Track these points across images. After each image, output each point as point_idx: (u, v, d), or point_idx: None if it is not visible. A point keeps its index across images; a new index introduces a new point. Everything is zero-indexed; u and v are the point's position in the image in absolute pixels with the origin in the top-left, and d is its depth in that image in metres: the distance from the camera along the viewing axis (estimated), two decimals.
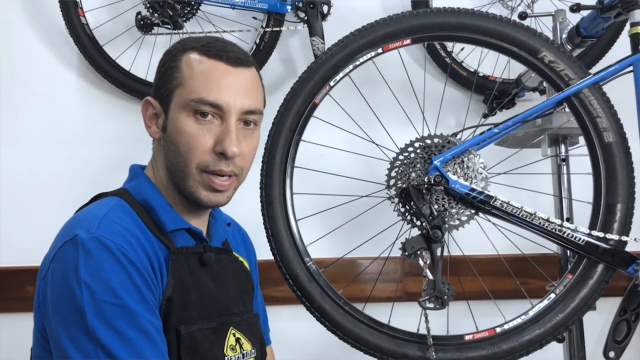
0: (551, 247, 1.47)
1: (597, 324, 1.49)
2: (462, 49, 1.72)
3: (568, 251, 1.29)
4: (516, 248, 1.29)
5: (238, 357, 0.93)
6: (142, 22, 1.60)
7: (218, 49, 0.92)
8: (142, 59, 1.70)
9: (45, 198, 1.69)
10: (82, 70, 1.73)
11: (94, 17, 1.68)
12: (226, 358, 0.91)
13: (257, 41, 1.66)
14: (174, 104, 0.91)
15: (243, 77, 0.93)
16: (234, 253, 1.05)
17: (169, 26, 1.60)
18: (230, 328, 0.93)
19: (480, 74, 1.71)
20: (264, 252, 1.20)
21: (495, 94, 1.63)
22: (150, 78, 1.68)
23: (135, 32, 1.63)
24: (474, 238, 1.35)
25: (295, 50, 1.76)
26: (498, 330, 1.09)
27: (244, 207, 1.24)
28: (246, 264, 1.09)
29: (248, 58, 0.95)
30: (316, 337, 1.60)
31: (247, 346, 0.96)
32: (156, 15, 1.59)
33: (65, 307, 0.78)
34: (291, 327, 1.65)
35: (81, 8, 1.63)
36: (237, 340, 0.94)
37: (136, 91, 1.68)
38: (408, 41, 1.16)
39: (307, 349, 1.67)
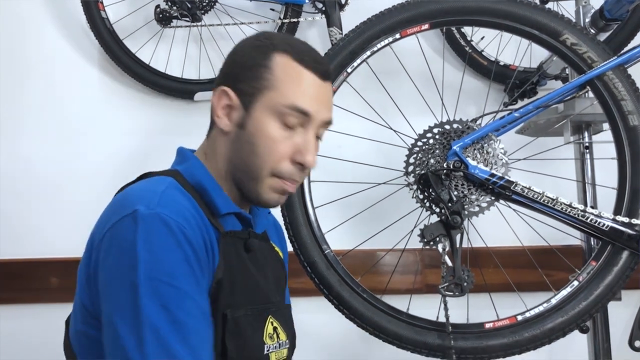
0: (574, 238, 1.44)
1: (623, 316, 1.45)
2: (482, 38, 1.69)
3: (592, 239, 1.26)
4: (538, 240, 1.27)
5: (275, 347, 0.92)
6: (160, 16, 1.62)
7: (313, 59, 0.91)
8: (161, 52, 1.71)
9: (68, 191, 1.71)
10: (103, 64, 1.75)
11: (114, 12, 1.69)
12: (265, 346, 0.90)
13: (275, 32, 1.66)
14: (261, 105, 0.89)
15: (328, 91, 0.94)
16: (270, 242, 1.05)
17: (187, 19, 1.62)
18: (269, 316, 0.93)
19: (501, 63, 1.68)
20: None
21: (516, 83, 1.61)
22: (170, 71, 1.72)
23: (155, 25, 1.65)
24: (496, 229, 1.33)
25: (313, 41, 1.74)
26: (519, 318, 1.07)
27: None
28: (280, 254, 1.08)
29: (332, 72, 0.97)
30: (335, 329, 1.61)
31: (282, 336, 0.95)
32: (175, 8, 1.61)
33: (120, 281, 0.78)
34: (310, 319, 1.64)
35: (101, 3, 1.64)
36: (275, 329, 0.93)
37: (156, 84, 1.69)
38: (426, 26, 1.14)
39: (326, 340, 1.66)
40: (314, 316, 1.64)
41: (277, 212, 1.17)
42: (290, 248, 1.17)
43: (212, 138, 0.96)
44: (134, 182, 0.93)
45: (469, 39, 1.68)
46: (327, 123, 0.93)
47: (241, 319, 0.86)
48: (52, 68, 1.75)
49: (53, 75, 1.75)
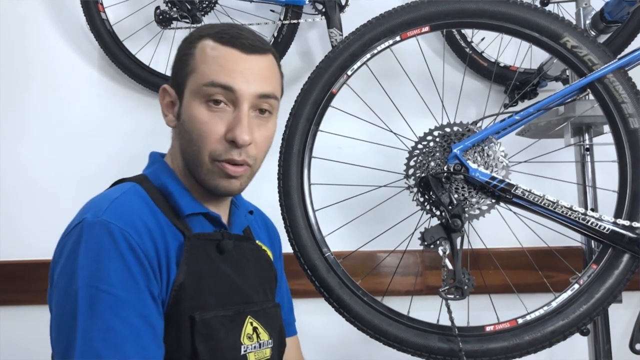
0: (575, 240, 1.44)
1: (624, 318, 1.45)
2: (482, 39, 1.69)
3: (592, 242, 1.26)
4: (539, 241, 1.26)
5: (254, 347, 0.92)
6: (160, 17, 1.62)
7: (232, 36, 0.91)
8: (161, 53, 1.71)
9: (67, 192, 1.71)
10: (103, 66, 1.75)
11: (114, 13, 1.70)
12: (242, 347, 0.90)
13: (275, 34, 1.66)
14: (188, 91, 0.91)
15: (257, 64, 0.91)
16: (256, 241, 1.04)
17: (187, 20, 1.62)
18: (248, 317, 0.92)
19: (501, 64, 1.68)
20: (283, 244, 1.19)
21: (516, 84, 1.61)
22: (170, 73, 1.72)
23: (155, 27, 1.65)
24: (495, 231, 1.33)
25: (313, 43, 1.76)
26: (520, 321, 1.07)
27: (265, 200, 1.23)
28: (269, 253, 1.08)
29: (264, 45, 0.94)
30: (336, 330, 1.61)
31: (264, 336, 0.95)
32: (175, 9, 1.61)
33: (64, 289, 0.80)
34: (311, 320, 1.65)
35: (101, 4, 1.65)
36: (255, 329, 0.93)
37: (156, 86, 1.69)
38: (426, 29, 1.14)
39: (326, 342, 1.66)
40: (314, 318, 1.63)
41: (274, 213, 1.18)
42: (290, 251, 1.17)
43: (172, 138, 0.99)
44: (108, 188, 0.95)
45: (469, 40, 1.67)
46: (263, 96, 0.91)
47: (212, 320, 0.86)
48: (52, 69, 1.76)
49: (53, 77, 1.75)
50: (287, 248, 1.18)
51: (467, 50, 1.66)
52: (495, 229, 1.32)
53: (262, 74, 0.92)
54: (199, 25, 1.62)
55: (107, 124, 1.74)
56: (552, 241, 1.29)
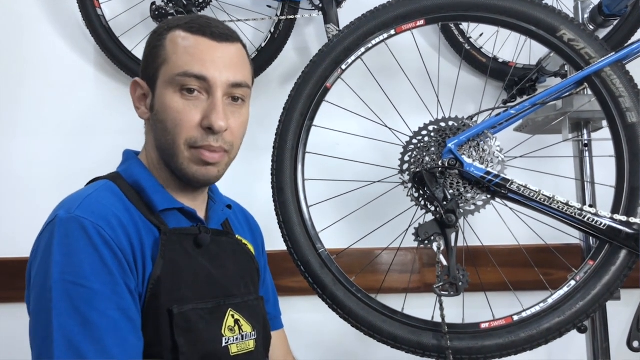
0: (573, 237, 1.43)
1: (623, 315, 1.44)
2: (480, 35, 1.68)
3: (590, 238, 1.24)
4: (536, 239, 1.25)
5: (237, 338, 0.92)
6: (157, 13, 1.60)
7: (202, 25, 0.92)
8: None
9: (64, 188, 1.68)
10: (99, 62, 1.74)
11: (110, 9, 1.69)
12: (224, 339, 0.90)
13: (272, 30, 1.65)
14: (160, 82, 0.91)
15: (228, 52, 0.93)
16: (236, 236, 1.04)
17: (183, 15, 1.60)
18: (229, 309, 0.93)
19: (500, 60, 1.66)
20: (280, 242, 1.18)
21: (515, 80, 1.59)
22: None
23: (151, 22, 1.63)
24: (493, 228, 1.32)
25: (310, 39, 1.75)
26: (515, 318, 1.05)
27: (261, 197, 1.22)
28: (250, 247, 1.08)
29: (233, 34, 0.95)
30: (332, 328, 1.59)
31: (246, 328, 0.95)
32: (171, 5, 1.60)
33: (39, 286, 0.79)
34: (307, 318, 1.64)
35: (97, 0, 1.64)
36: (237, 321, 0.93)
37: None
38: (422, 22, 1.12)
39: (323, 340, 1.65)
40: (310, 315, 1.63)
41: (269, 210, 1.16)
42: (284, 248, 1.15)
43: (145, 132, 0.99)
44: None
45: (467, 35, 1.66)
46: (236, 84, 0.92)
47: (190, 313, 0.86)
48: (48, 66, 1.75)
49: (49, 74, 1.75)
50: (281, 245, 1.16)
51: (466, 45, 1.64)
52: (492, 226, 1.31)
53: (234, 62, 0.93)
54: None
55: (103, 120, 1.73)
56: (550, 239, 1.28)
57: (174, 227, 0.91)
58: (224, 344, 0.90)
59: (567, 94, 1.12)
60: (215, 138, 0.90)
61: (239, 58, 0.94)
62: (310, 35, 1.75)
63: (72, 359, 0.75)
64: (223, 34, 0.93)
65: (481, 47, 1.67)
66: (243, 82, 0.94)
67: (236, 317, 0.93)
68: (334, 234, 1.26)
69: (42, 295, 0.78)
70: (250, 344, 0.95)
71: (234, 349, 0.91)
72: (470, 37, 1.67)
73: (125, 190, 0.90)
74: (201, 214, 1.00)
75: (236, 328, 0.92)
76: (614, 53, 1.04)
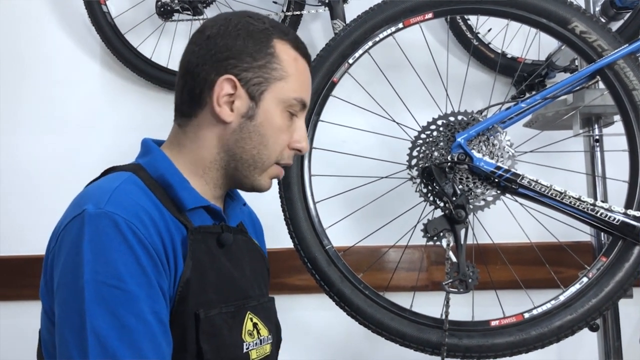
0: (584, 232, 1.41)
1: (635, 314, 1.41)
2: (489, 30, 1.66)
3: (602, 234, 1.22)
4: (547, 237, 1.24)
5: (256, 343, 0.89)
6: (162, 9, 1.60)
7: (303, 45, 0.94)
8: (163, 46, 1.69)
9: (68, 186, 1.68)
10: (105, 60, 1.74)
11: (115, 6, 1.68)
12: (244, 344, 0.86)
13: None
14: (271, 95, 0.88)
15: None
16: (249, 235, 1.01)
17: (189, 12, 1.60)
18: (248, 313, 0.89)
19: (509, 56, 1.64)
20: (286, 240, 1.17)
21: (524, 76, 1.57)
22: (172, 66, 1.70)
23: (156, 19, 1.63)
24: (503, 225, 1.30)
25: (317, 35, 1.73)
26: (526, 315, 1.03)
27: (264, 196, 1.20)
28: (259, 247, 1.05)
29: None
30: (339, 326, 1.59)
31: (264, 332, 0.92)
32: (176, 1, 1.59)
33: (67, 286, 0.74)
34: (314, 316, 1.63)
35: None
36: (255, 325, 0.90)
37: (158, 79, 1.68)
38: (430, 15, 1.11)
39: (330, 338, 1.64)
40: (317, 313, 1.62)
41: (276, 207, 1.15)
42: (291, 245, 1.14)
43: (196, 127, 0.91)
44: (97, 178, 0.90)
45: (476, 31, 1.64)
46: None
47: (216, 317, 0.82)
48: (53, 63, 1.74)
49: (55, 71, 1.74)
50: (287, 242, 1.15)
51: (474, 41, 1.62)
52: (502, 224, 1.29)
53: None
54: (200, 17, 1.60)
55: (109, 118, 1.73)
56: (562, 236, 1.26)
57: (199, 226, 0.86)
58: (244, 350, 0.86)
59: (579, 87, 1.10)
60: (293, 157, 0.95)
61: None
62: (316, 31, 1.73)
63: None
64: (311, 57, 0.96)
65: (489, 43, 1.65)
66: None
67: (254, 320, 0.90)
68: (341, 232, 1.24)
69: (73, 296, 0.73)
70: (267, 349, 0.92)
71: (253, 355, 0.88)
72: (479, 33, 1.65)
73: (150, 185, 0.85)
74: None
75: (255, 332, 0.89)
76: (627, 45, 1.02)
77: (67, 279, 0.75)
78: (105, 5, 1.64)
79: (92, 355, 0.70)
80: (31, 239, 1.66)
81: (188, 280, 0.81)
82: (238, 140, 0.89)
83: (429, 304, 1.14)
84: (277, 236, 1.23)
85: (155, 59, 1.68)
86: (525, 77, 1.56)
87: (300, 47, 0.92)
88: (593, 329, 1.17)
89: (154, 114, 1.69)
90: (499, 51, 1.64)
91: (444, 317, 1.04)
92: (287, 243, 1.16)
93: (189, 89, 0.90)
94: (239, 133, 0.89)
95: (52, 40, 1.74)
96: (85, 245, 0.74)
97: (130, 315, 0.73)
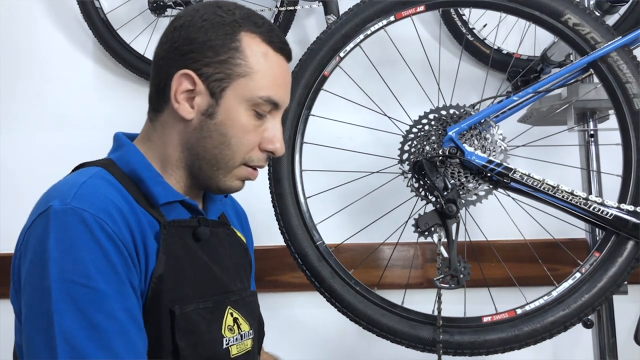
0: (578, 231, 1.39)
1: (630, 311, 1.40)
2: (484, 26, 1.64)
3: (595, 230, 1.21)
4: (540, 234, 1.22)
5: (236, 339, 0.87)
6: (155, 5, 1.59)
7: (281, 40, 0.87)
8: (156, 42, 1.67)
9: None
10: (98, 56, 1.72)
11: (108, 1, 1.67)
12: (224, 340, 0.84)
13: (272, 21, 1.62)
14: (233, 93, 0.83)
15: (289, 73, 0.91)
16: (231, 227, 0.99)
17: (181, 7, 1.58)
18: (228, 307, 0.87)
19: (504, 52, 1.63)
20: (279, 237, 1.15)
21: (519, 72, 1.56)
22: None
23: (149, 15, 1.62)
24: (495, 222, 1.29)
25: (311, 30, 1.72)
26: (519, 311, 1.02)
27: (257, 189, 1.19)
28: (243, 239, 1.03)
29: None
30: (332, 324, 1.57)
31: (244, 327, 0.89)
32: None
33: (33, 286, 0.72)
34: (308, 314, 1.62)
35: None
36: (235, 320, 0.88)
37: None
38: (422, 8, 1.10)
39: (324, 336, 1.63)
40: (311, 311, 1.60)
41: (268, 204, 1.14)
42: (283, 243, 1.13)
43: (162, 123, 0.88)
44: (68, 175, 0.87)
45: (470, 26, 1.63)
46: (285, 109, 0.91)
47: (192, 313, 0.80)
48: (45, 59, 1.73)
49: (47, 67, 1.73)
50: (280, 240, 1.13)
51: (469, 36, 1.61)
52: (495, 221, 1.28)
53: (290, 84, 0.92)
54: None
55: (102, 114, 1.71)
56: (556, 233, 1.25)
57: (172, 219, 0.84)
58: (224, 346, 0.84)
59: (572, 81, 1.08)
60: (267, 159, 0.90)
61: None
62: (310, 27, 1.72)
63: None
64: (290, 52, 0.89)
65: (485, 39, 1.64)
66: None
67: (235, 315, 0.88)
68: (335, 228, 1.23)
69: (39, 296, 0.70)
70: (248, 344, 0.90)
71: (234, 351, 0.86)
72: (474, 28, 1.63)
73: (121, 179, 0.82)
74: (199, 204, 0.94)
75: (235, 327, 0.87)
76: (620, 37, 1.01)
77: (33, 278, 0.72)
78: (98, 0, 1.63)
79: (62, 356, 0.68)
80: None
81: (161, 276, 0.79)
82: (199, 139, 0.85)
83: (423, 301, 1.12)
84: (270, 233, 1.22)
85: (149, 55, 1.67)
86: (520, 72, 1.54)
87: (273, 42, 0.85)
88: (588, 325, 1.16)
89: (146, 111, 1.68)
90: (494, 47, 1.62)
91: (436, 313, 1.03)
92: (280, 240, 1.14)
93: (156, 82, 0.87)
94: (199, 131, 0.85)
95: (44, 37, 1.73)
96: (51, 243, 0.71)
97: (100, 313, 0.70)
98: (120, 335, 0.71)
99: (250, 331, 0.91)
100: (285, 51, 0.87)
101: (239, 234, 1.01)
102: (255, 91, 0.83)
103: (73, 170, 0.89)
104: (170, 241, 0.81)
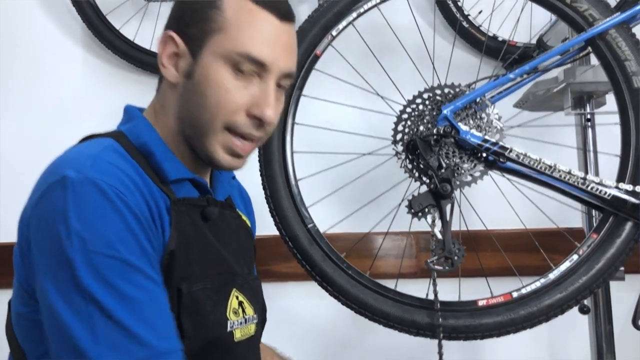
0: (576, 220, 1.37)
1: (626, 299, 1.38)
2: (479, 12, 1.63)
3: (593, 212, 1.19)
4: (537, 222, 1.20)
5: (240, 322, 0.84)
6: None
7: (276, 1, 0.81)
8: (146, 28, 1.65)
9: None
10: (87, 42, 1.70)
11: None
12: (229, 322, 0.82)
13: None
14: (210, 51, 0.79)
15: (289, 35, 0.83)
16: (237, 210, 0.96)
17: None
18: (233, 290, 0.84)
19: (500, 39, 1.61)
20: (273, 227, 1.11)
21: (516, 59, 1.54)
22: (155, 48, 1.65)
23: (139, 0, 1.59)
24: (492, 211, 1.27)
25: (304, 18, 1.69)
26: (515, 295, 0.99)
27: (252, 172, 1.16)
28: (247, 222, 1.00)
29: (293, 12, 0.85)
30: (327, 313, 1.55)
31: (249, 311, 0.87)
32: None
33: (53, 258, 0.69)
34: (301, 304, 1.59)
35: None
36: (240, 303, 0.85)
37: (140, 62, 1.64)
38: None
39: (318, 325, 1.60)
40: (304, 301, 1.58)
41: (258, 190, 1.11)
42: (274, 229, 1.10)
43: (162, 93, 0.86)
44: (75, 145, 0.84)
45: (465, 13, 1.61)
46: (288, 75, 0.83)
47: (199, 293, 0.77)
48: (34, 45, 1.70)
49: (35, 54, 1.70)
50: (274, 229, 1.10)
51: (464, 23, 1.60)
52: (492, 209, 1.26)
53: (292, 48, 0.83)
54: None
55: (91, 101, 1.69)
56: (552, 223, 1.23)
57: (182, 197, 0.81)
58: (228, 329, 0.82)
59: (570, 60, 1.06)
60: (258, 128, 0.81)
61: (295, 43, 0.84)
62: (304, 15, 1.67)
63: (122, 338, 0.66)
64: (289, 12, 0.82)
65: (480, 25, 1.63)
66: (293, 73, 0.84)
67: (240, 298, 0.85)
68: (326, 216, 1.20)
69: (60, 269, 0.68)
70: (252, 329, 0.88)
71: (237, 334, 0.83)
72: (469, 15, 1.62)
73: (131, 152, 0.79)
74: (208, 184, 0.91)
75: (240, 311, 0.84)
76: (618, 14, 0.99)
77: (53, 250, 0.69)
78: None
79: (101, 328, 0.66)
80: (15, 227, 1.62)
81: (172, 252, 0.76)
82: (184, 104, 0.82)
83: (417, 290, 1.09)
84: (263, 223, 1.19)
85: (139, 41, 1.64)
86: (517, 60, 1.52)
87: (263, 1, 0.80)
88: (584, 311, 1.14)
89: (137, 98, 1.60)
90: (490, 34, 1.61)
91: (431, 297, 1.00)
92: (273, 230, 1.11)
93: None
94: (184, 95, 0.82)
95: (32, 22, 1.70)
96: (70, 213, 0.69)
97: (128, 284, 0.69)
98: (150, 303, 0.70)
99: (255, 316, 0.88)
100: (275, 8, 0.81)
101: (244, 217, 0.98)
102: (231, 46, 0.78)
103: (81, 141, 0.85)
104: (180, 218, 0.79)
